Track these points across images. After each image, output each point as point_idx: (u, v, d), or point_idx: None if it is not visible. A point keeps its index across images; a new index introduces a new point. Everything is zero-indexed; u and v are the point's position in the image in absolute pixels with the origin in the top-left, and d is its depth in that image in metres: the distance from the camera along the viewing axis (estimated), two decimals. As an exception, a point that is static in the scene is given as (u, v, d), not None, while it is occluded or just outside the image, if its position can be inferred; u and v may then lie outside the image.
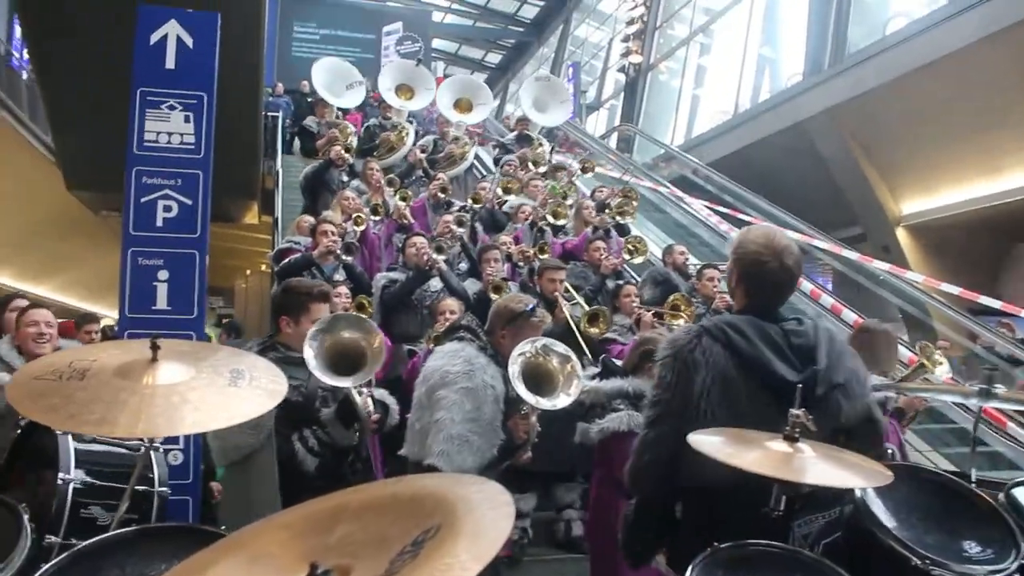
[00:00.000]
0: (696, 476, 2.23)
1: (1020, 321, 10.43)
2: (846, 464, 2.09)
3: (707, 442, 2.07)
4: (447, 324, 5.13)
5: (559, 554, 5.33)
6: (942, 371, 4.78)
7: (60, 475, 2.58)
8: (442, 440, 3.42)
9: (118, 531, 1.93)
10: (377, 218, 7.99)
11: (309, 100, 13.21)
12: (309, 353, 3.23)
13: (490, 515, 1.26)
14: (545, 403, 3.55)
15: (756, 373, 2.32)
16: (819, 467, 2.03)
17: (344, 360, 3.33)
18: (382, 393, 3.87)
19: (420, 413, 3.56)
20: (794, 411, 2.08)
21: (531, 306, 3.78)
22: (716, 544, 2.00)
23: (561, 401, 3.60)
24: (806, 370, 2.33)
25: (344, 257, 6.42)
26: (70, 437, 2.70)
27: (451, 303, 5.58)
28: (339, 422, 3.42)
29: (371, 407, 3.54)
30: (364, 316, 3.85)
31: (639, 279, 7.73)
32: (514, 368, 3.49)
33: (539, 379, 3.60)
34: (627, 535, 2.63)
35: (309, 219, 7.49)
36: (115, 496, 2.64)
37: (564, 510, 5.60)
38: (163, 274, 4.66)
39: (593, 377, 4.47)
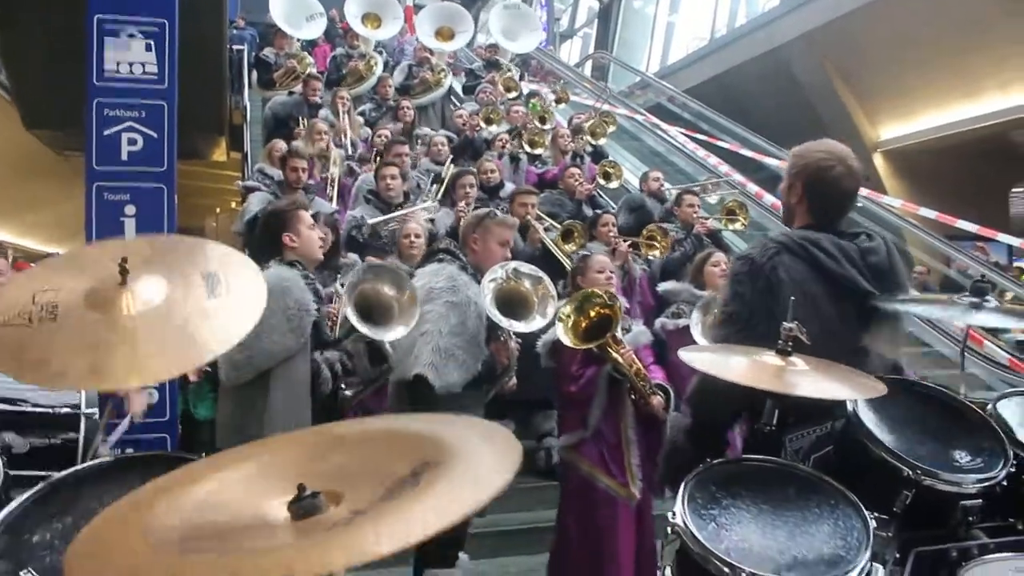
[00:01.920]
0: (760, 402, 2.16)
1: (996, 245, 10.51)
2: (839, 377, 2.06)
3: (699, 358, 2.03)
4: (412, 247, 5.11)
5: (540, 481, 5.36)
6: None
7: None
8: (430, 352, 3.49)
9: (96, 460, 1.87)
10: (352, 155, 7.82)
11: (275, 32, 12.87)
12: (349, 309, 3.30)
13: (494, 455, 1.21)
14: (520, 326, 3.65)
15: (844, 292, 2.25)
16: (811, 380, 2.00)
17: (370, 309, 3.39)
18: None
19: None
20: (787, 324, 2.04)
21: (494, 209, 3.89)
22: (709, 460, 1.97)
23: (536, 323, 3.72)
24: (888, 290, 2.29)
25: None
26: None
27: (414, 226, 5.45)
28: (367, 356, 3.44)
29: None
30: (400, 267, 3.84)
31: (614, 206, 7.67)
32: (487, 296, 3.60)
33: (514, 303, 3.72)
34: (679, 461, 2.48)
35: (282, 145, 7.27)
36: (31, 422, 2.58)
37: (544, 438, 5.63)
38: (130, 209, 4.56)
39: None
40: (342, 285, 4.44)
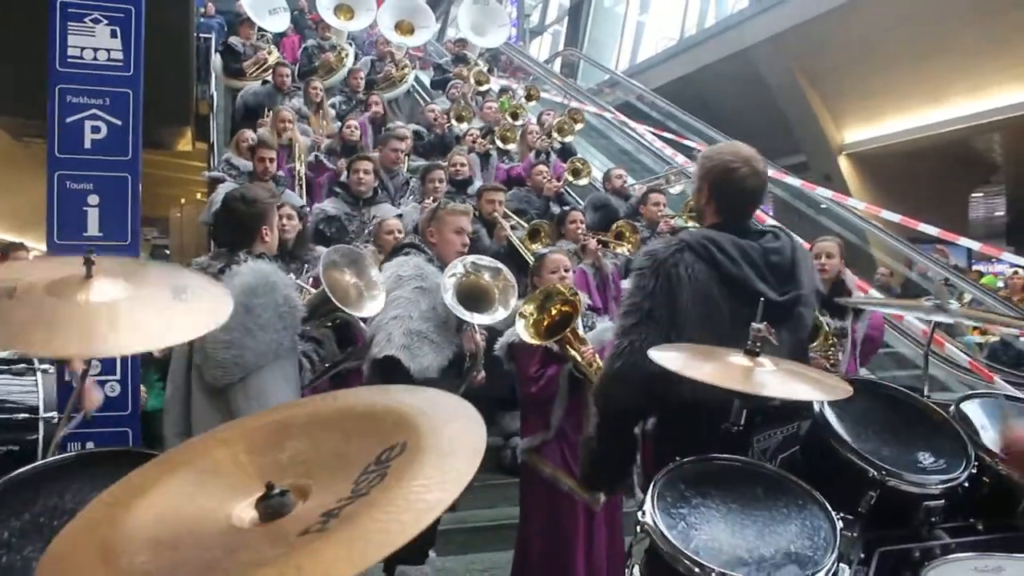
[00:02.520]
0: (670, 392, 2.19)
1: (956, 248, 10.67)
2: (806, 378, 2.08)
3: (667, 357, 2.03)
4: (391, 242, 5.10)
5: (504, 478, 5.35)
6: None
7: None
8: (403, 335, 3.49)
9: (56, 457, 1.83)
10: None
11: (241, 20, 12.72)
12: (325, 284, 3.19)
13: (461, 431, 1.18)
14: (481, 318, 3.64)
15: (739, 293, 2.29)
16: (779, 381, 2.01)
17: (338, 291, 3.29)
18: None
19: (377, 318, 3.57)
20: (756, 324, 2.05)
21: (444, 200, 3.90)
22: (679, 459, 1.97)
23: (499, 314, 3.72)
24: (787, 291, 2.34)
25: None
26: None
27: (394, 222, 5.42)
28: (334, 340, 3.33)
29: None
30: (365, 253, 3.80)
31: (581, 202, 7.69)
32: (447, 291, 3.60)
33: (476, 296, 3.71)
34: (593, 460, 2.57)
35: (250, 135, 7.18)
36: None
37: (511, 437, 5.62)
38: (93, 199, 4.44)
39: None
40: (308, 279, 4.40)
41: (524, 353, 3.84)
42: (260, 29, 10.68)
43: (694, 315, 2.26)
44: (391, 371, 3.51)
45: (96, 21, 4.48)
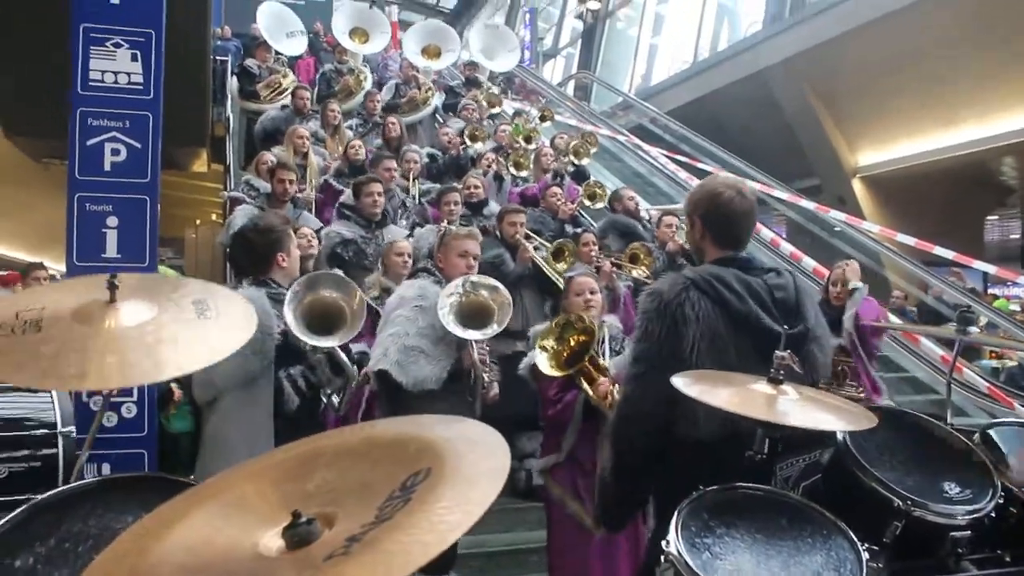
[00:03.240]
0: (684, 430, 2.20)
1: (971, 271, 10.61)
2: (830, 407, 2.07)
3: (691, 385, 2.02)
4: (404, 267, 5.11)
5: (520, 503, 5.31)
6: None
7: None
8: (396, 351, 3.62)
9: (80, 482, 1.83)
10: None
11: (257, 42, 12.83)
12: (289, 315, 3.20)
13: (483, 457, 1.19)
14: (475, 334, 3.74)
15: (746, 329, 2.29)
16: (803, 410, 2.00)
17: (324, 319, 3.31)
18: (360, 347, 3.93)
19: (380, 335, 3.75)
20: (779, 352, 2.04)
21: (451, 226, 4.01)
22: (702, 488, 1.96)
23: (491, 331, 3.79)
24: (794, 325, 2.32)
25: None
26: None
27: (404, 244, 5.41)
28: (328, 365, 3.37)
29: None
30: (343, 275, 3.75)
31: (595, 225, 7.68)
32: (444, 311, 3.69)
33: (477, 314, 3.79)
34: (607, 497, 2.54)
35: (269, 157, 7.19)
36: (8, 446, 2.52)
37: (525, 459, 5.59)
38: (112, 220, 4.47)
39: None
40: None
41: (545, 378, 3.84)
42: (276, 52, 10.78)
43: (703, 352, 2.25)
44: (387, 385, 3.65)
45: (117, 45, 4.53)
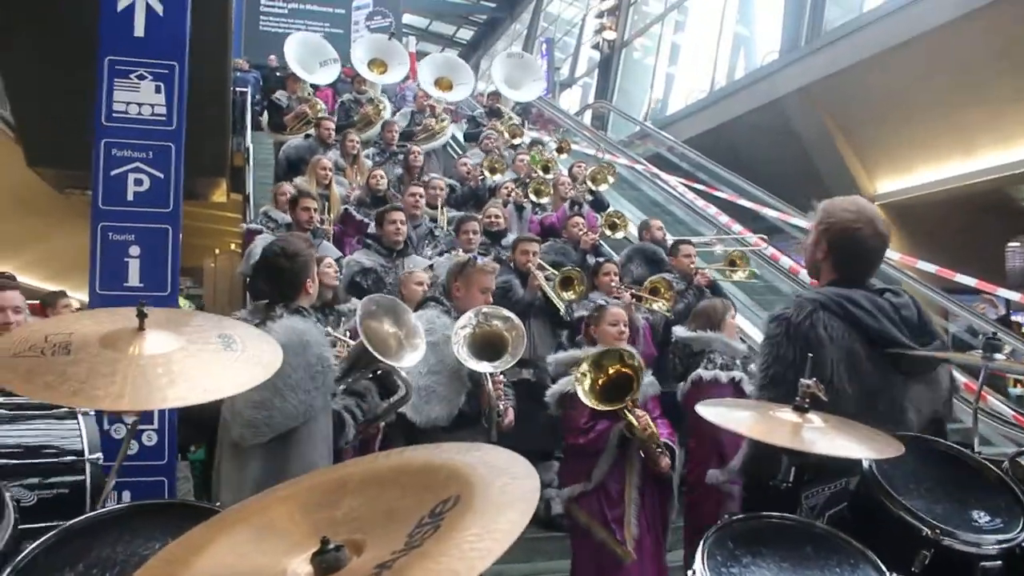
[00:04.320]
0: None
1: (998, 298, 10.51)
2: (856, 435, 2.05)
3: (715, 413, 2.01)
4: (418, 295, 5.12)
5: (538, 532, 5.28)
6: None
7: None
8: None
9: (109, 508, 1.84)
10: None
11: (278, 75, 12.98)
12: (363, 335, 3.17)
13: (512, 484, 1.18)
14: (488, 366, 3.74)
15: (882, 347, 2.24)
16: (829, 438, 1.99)
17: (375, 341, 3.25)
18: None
19: None
20: (804, 380, 2.03)
21: (474, 255, 3.95)
22: (728, 516, 1.94)
23: (503, 362, 3.77)
24: (927, 342, 2.29)
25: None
26: None
27: (421, 274, 5.44)
28: (377, 391, 3.29)
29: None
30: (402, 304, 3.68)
31: (616, 256, 7.67)
32: (458, 343, 3.70)
33: (490, 345, 3.80)
34: None
35: (288, 188, 7.24)
36: (36, 473, 2.52)
37: (543, 489, 5.56)
38: (135, 250, 4.53)
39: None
40: (346, 332, 4.41)
41: (574, 405, 3.84)
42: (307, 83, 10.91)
43: (841, 373, 2.20)
44: (402, 423, 3.63)
45: (141, 77, 4.61)
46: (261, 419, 2.82)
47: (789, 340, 2.26)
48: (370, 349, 3.13)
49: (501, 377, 3.95)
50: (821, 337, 2.22)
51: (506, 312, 3.95)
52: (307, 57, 11.31)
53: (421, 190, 7.33)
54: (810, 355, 2.08)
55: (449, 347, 3.71)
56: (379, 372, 3.30)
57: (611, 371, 3.77)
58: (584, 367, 3.75)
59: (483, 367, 3.72)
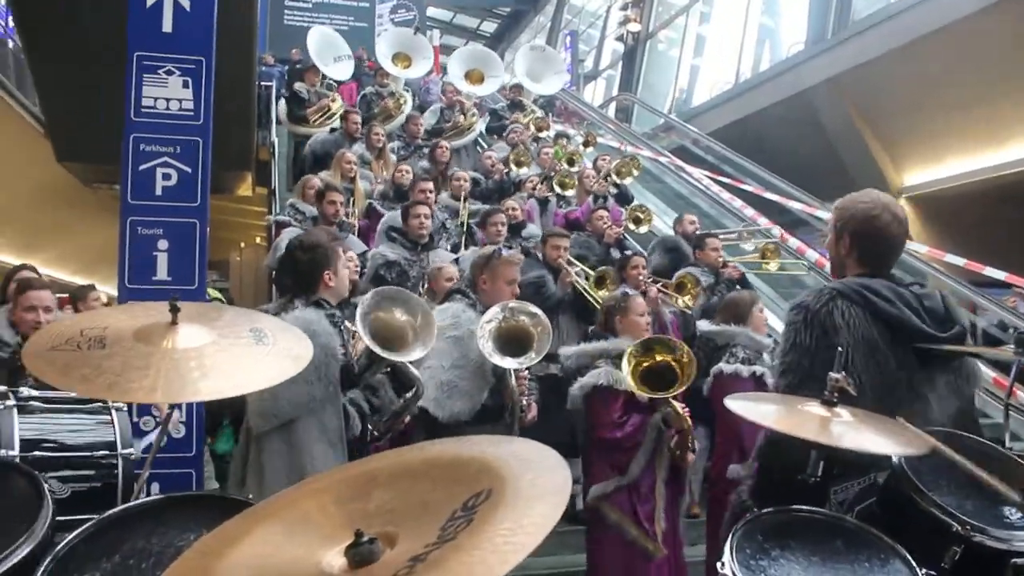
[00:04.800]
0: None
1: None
2: (885, 430, 2.04)
3: (744, 406, 2.00)
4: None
5: (561, 527, 5.28)
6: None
7: (3, 451, 2.44)
8: (433, 388, 3.55)
9: (144, 499, 1.87)
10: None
11: (298, 68, 13.05)
12: (364, 332, 3.17)
13: (544, 477, 1.19)
14: (512, 363, 3.71)
15: (903, 336, 2.24)
16: (857, 432, 1.98)
17: (387, 335, 3.26)
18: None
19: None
20: (833, 374, 2.02)
21: (499, 248, 3.93)
22: (757, 510, 1.94)
23: (527, 359, 3.76)
24: (948, 329, 2.27)
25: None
26: (15, 411, 2.58)
27: (451, 269, 5.48)
28: (391, 386, 3.31)
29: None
30: (407, 291, 3.69)
31: (642, 249, 7.65)
32: (483, 338, 3.66)
33: (516, 340, 3.77)
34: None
35: (316, 181, 7.27)
36: (70, 466, 2.55)
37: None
38: (163, 244, 4.57)
39: None
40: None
41: (605, 398, 3.83)
42: (324, 76, 10.95)
43: (858, 361, 2.20)
44: (425, 419, 3.61)
45: (169, 72, 4.65)
46: (268, 408, 2.96)
47: (807, 327, 2.27)
48: (369, 343, 3.16)
49: (525, 372, 3.94)
50: (837, 324, 2.22)
51: (533, 308, 3.93)
52: (324, 49, 11.39)
53: (431, 185, 7.34)
54: (839, 349, 2.08)
55: (473, 341, 3.67)
56: (394, 366, 3.31)
57: (657, 359, 3.75)
58: (632, 349, 3.73)
59: (507, 363, 3.70)
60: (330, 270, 3.30)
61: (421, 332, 3.34)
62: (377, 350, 3.17)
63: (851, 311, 2.24)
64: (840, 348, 2.09)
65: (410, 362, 3.31)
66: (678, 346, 3.76)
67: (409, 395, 3.35)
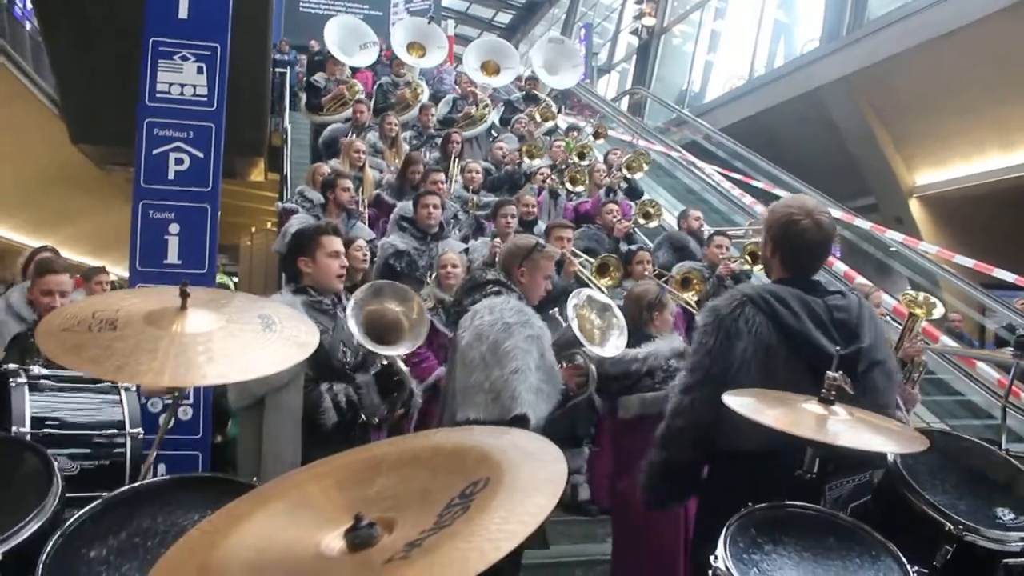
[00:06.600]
0: (732, 441, 2.23)
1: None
2: (881, 428, 2.06)
3: (742, 403, 2.03)
4: (449, 277, 5.16)
5: (565, 516, 5.34)
6: (939, 312, 4.78)
7: (14, 428, 2.49)
8: (525, 391, 3.32)
9: (151, 479, 1.92)
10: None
11: (317, 58, 13.06)
12: (352, 323, 3.19)
13: (541, 468, 1.22)
14: (596, 350, 3.71)
15: (798, 346, 2.29)
16: (854, 430, 2.00)
17: (382, 329, 3.29)
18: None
19: (488, 372, 3.35)
20: (831, 373, 2.04)
21: (540, 242, 3.88)
22: (752, 504, 1.97)
23: (609, 350, 3.78)
24: (849, 346, 2.30)
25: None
26: (26, 388, 2.63)
27: (452, 256, 5.41)
28: (376, 388, 3.32)
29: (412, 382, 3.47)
30: (406, 286, 3.64)
31: (650, 244, 7.67)
32: (573, 319, 3.66)
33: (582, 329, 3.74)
34: (652, 485, 2.57)
35: (325, 169, 7.25)
36: (79, 444, 2.61)
37: (571, 475, 5.60)
38: (174, 228, 4.60)
39: None
40: None
41: None
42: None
43: (752, 368, 2.27)
44: (514, 424, 3.40)
45: (184, 58, 4.67)
46: (241, 384, 3.08)
47: (714, 331, 2.35)
48: (358, 336, 3.18)
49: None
50: (740, 330, 2.29)
51: (606, 299, 3.98)
52: (347, 40, 11.37)
53: (442, 175, 7.33)
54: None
55: (544, 340, 3.50)
56: (384, 364, 3.34)
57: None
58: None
59: (594, 350, 3.70)
60: (306, 257, 3.34)
61: (415, 326, 3.36)
62: (369, 345, 3.20)
63: (756, 318, 2.31)
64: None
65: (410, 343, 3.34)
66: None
67: (394, 396, 3.37)
